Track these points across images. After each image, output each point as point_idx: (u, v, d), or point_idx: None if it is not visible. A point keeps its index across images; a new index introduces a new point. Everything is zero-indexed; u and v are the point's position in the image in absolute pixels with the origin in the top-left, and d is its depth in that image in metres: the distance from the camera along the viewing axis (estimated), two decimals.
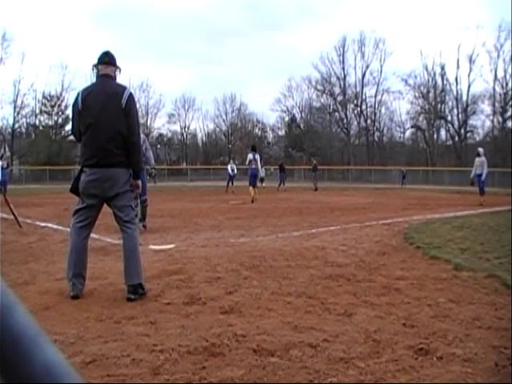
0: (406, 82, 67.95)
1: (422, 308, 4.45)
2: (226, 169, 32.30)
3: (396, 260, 6.73)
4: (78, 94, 5.17)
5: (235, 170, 31.49)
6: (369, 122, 73.72)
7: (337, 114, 75.71)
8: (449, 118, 67.16)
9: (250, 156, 20.85)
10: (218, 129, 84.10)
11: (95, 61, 5.23)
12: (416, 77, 67.27)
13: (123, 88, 5.08)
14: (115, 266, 5.99)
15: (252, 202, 19.93)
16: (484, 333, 3.77)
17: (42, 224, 11.82)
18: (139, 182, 5.16)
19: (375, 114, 73.36)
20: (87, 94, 5.08)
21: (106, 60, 5.14)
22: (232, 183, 30.29)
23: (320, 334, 3.70)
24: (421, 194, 27.97)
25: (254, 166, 20.51)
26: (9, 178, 23.86)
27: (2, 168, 22.93)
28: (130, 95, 5.03)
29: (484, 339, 3.63)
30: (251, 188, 20.58)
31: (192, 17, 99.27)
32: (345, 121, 74.41)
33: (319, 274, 5.80)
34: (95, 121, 4.98)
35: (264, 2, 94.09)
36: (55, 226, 11.20)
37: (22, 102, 69.82)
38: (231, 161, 35.45)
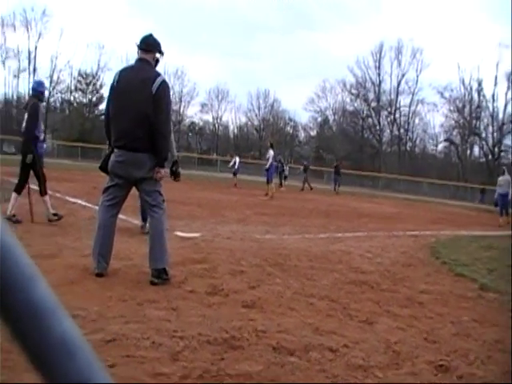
0: (441, 94, 67.19)
1: (445, 324, 4.40)
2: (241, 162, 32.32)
3: (421, 273, 6.66)
4: (115, 75, 5.19)
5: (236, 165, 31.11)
6: (402, 130, 73.10)
7: (370, 119, 75.22)
8: (483, 134, 66.27)
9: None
10: (249, 123, 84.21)
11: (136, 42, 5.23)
12: (452, 90, 66.48)
13: (156, 75, 5.04)
14: (140, 249, 6.03)
15: (266, 195, 21.18)
16: (506, 357, 3.72)
17: (72, 200, 11.95)
18: (162, 171, 5.12)
19: (409, 124, 72.71)
20: (122, 77, 5.09)
21: (143, 47, 5.12)
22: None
23: (340, 339, 3.68)
24: (449, 209, 27.67)
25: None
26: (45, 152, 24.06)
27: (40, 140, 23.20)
28: (162, 83, 4.99)
29: (505, 363, 3.58)
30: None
31: (232, 10, 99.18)
32: (377, 127, 73.89)
33: (343, 279, 5.77)
34: (125, 104, 5.01)
35: (304, 2, 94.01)
36: (84, 203, 11.31)
37: (58, 78, 70.74)
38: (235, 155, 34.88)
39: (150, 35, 5.22)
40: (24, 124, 8.43)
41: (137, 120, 4.93)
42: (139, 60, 5.13)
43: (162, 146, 5.04)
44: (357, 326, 4.07)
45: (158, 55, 5.20)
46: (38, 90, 8.65)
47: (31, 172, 8.41)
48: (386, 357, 3.46)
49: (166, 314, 3.92)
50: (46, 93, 69.55)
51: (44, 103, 7.90)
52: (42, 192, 8.33)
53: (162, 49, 5.25)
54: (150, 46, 5.14)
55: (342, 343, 3.59)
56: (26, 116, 8.39)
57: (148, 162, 4.98)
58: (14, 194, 8.26)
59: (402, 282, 5.96)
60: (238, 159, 31.05)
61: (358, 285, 5.53)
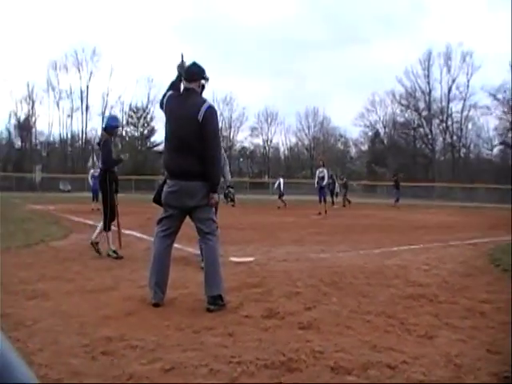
0: (494, 96, 65.56)
1: (508, 334, 4.28)
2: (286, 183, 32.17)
3: (481, 282, 6.51)
4: (164, 97, 5.26)
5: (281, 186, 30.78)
6: (455, 137, 71.72)
7: (421, 129, 74.18)
8: None
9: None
10: (300, 143, 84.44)
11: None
12: (505, 91, 64.69)
13: (202, 101, 5.06)
14: (196, 277, 6.10)
15: (319, 214, 21.45)
16: None
17: (127, 232, 12.16)
18: (216, 196, 5.16)
19: (461, 130, 71.29)
20: (170, 106, 5.16)
21: (187, 77, 5.14)
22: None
23: (399, 355, 3.63)
24: (507, 215, 26.86)
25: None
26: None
27: (94, 177, 23.73)
28: (208, 108, 4.99)
29: None
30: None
31: (275, 30, 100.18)
32: (429, 136, 72.76)
33: (400, 294, 5.70)
34: (175, 134, 5.09)
35: (347, 15, 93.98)
36: (139, 235, 11.52)
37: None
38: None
39: (194, 64, 5.25)
40: (100, 160, 8.67)
41: (186, 148, 4.99)
42: (185, 89, 5.16)
43: (212, 172, 5.06)
44: (415, 341, 4.00)
45: (203, 81, 5.21)
46: (110, 125, 8.83)
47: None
48: (447, 371, 3.39)
49: (223, 339, 3.95)
50: (99, 130, 71.45)
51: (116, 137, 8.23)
52: (106, 227, 8.46)
53: (207, 74, 5.25)
54: (194, 75, 5.16)
55: (400, 359, 3.54)
56: (100, 152, 8.71)
57: (200, 189, 5.02)
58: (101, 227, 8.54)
59: (461, 292, 5.84)
60: (282, 180, 30.90)
61: (415, 299, 5.44)
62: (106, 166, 8.46)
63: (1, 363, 0.50)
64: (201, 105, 5.00)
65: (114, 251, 8.21)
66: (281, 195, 29.80)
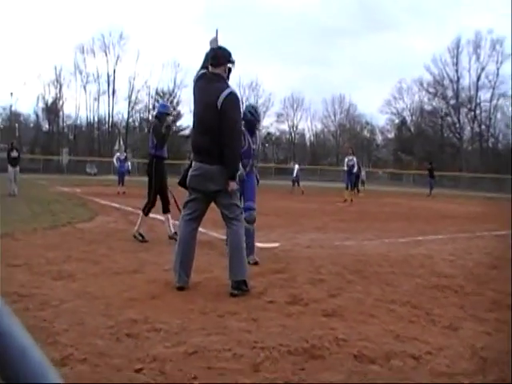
0: None
1: None
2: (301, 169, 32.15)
3: (507, 274, 6.41)
4: (195, 78, 5.30)
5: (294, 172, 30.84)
6: (483, 127, 70.71)
7: (449, 118, 73.25)
8: None
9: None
10: (326, 129, 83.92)
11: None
12: None
13: (225, 87, 5.02)
14: (220, 261, 6.12)
15: (344, 201, 21.25)
16: None
17: (152, 215, 12.23)
18: (233, 184, 5.08)
19: (490, 119, 70.23)
20: (197, 88, 5.19)
21: (213, 62, 5.11)
22: (296, 184, 30.28)
23: (423, 346, 3.60)
24: None
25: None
26: (127, 170, 24.83)
27: (120, 160, 23.88)
28: (228, 95, 4.95)
29: None
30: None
31: (302, 16, 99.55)
32: (457, 125, 71.84)
33: (425, 284, 5.66)
34: (197, 117, 5.15)
35: (374, 1, 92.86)
36: (164, 218, 11.54)
37: (136, 98, 72.85)
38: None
39: (219, 47, 5.24)
40: (150, 145, 8.81)
41: (208, 133, 5.00)
42: (211, 73, 5.12)
43: (231, 159, 5.03)
44: (440, 332, 3.97)
45: (229, 65, 5.18)
46: (160, 112, 9.15)
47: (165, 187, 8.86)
48: (472, 363, 3.36)
49: (247, 325, 3.96)
50: (125, 114, 71.98)
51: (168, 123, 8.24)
52: (144, 210, 8.67)
53: (233, 57, 5.21)
54: (220, 59, 5.13)
55: (424, 350, 3.51)
56: (150, 137, 8.87)
57: (223, 174, 5.02)
58: (160, 216, 8.93)
59: (487, 284, 5.78)
60: (297, 166, 30.88)
61: (440, 289, 5.40)
62: (154, 151, 8.55)
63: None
64: (222, 90, 4.97)
65: (141, 234, 8.25)
66: (297, 181, 29.87)
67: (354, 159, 22.57)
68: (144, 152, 68.21)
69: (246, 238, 5.47)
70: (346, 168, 22.44)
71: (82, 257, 6.59)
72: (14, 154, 20.02)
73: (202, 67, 5.29)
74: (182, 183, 5.39)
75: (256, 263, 6.19)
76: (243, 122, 6.07)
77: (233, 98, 5.04)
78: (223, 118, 4.93)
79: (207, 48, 5.39)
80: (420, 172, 61.07)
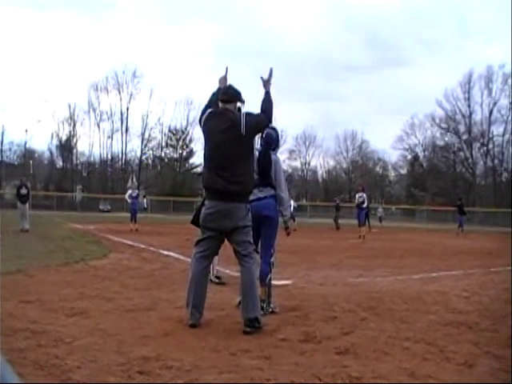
0: None
1: None
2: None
3: None
4: (203, 114, 5.31)
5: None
6: (496, 161, 70.63)
7: (461, 153, 73.29)
8: None
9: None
10: (338, 166, 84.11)
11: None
12: None
13: (239, 114, 5.11)
14: (233, 298, 6.10)
15: (359, 237, 21.18)
16: None
17: (165, 252, 12.29)
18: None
19: (503, 154, 70.18)
20: (210, 123, 5.20)
21: (224, 99, 5.18)
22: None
23: None
24: None
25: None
26: (143, 208, 25.09)
27: (132, 197, 24.01)
28: (246, 114, 5.07)
29: None
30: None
31: (314, 53, 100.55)
32: (470, 160, 71.83)
33: (439, 320, 5.60)
34: (213, 154, 5.13)
35: (387, 37, 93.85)
36: (177, 256, 11.60)
37: (149, 136, 73.64)
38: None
39: (230, 87, 5.31)
40: None
41: (226, 169, 5.02)
42: (223, 108, 5.18)
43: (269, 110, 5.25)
44: (455, 369, 3.92)
45: (239, 104, 5.25)
46: None
47: None
48: None
49: (259, 362, 3.93)
50: (138, 151, 72.42)
51: None
52: None
53: (243, 97, 5.29)
54: (230, 96, 5.20)
55: None
56: None
57: (239, 211, 5.04)
58: None
59: (503, 320, 5.70)
60: (292, 203, 30.58)
61: (455, 326, 5.34)
62: None
63: None
64: (239, 117, 5.05)
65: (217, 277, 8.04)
66: (293, 218, 29.37)
67: (364, 195, 22.68)
68: (157, 189, 69.12)
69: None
70: (356, 203, 22.70)
71: (95, 294, 6.60)
72: (23, 191, 20.42)
73: (208, 106, 5.35)
74: (196, 221, 5.39)
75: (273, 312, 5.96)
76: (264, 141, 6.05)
77: (251, 114, 5.14)
78: (254, 125, 5.11)
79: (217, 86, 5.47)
80: (433, 208, 60.93)
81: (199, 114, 5.51)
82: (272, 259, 5.94)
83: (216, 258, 7.85)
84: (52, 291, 6.61)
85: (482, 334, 5.04)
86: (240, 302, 5.21)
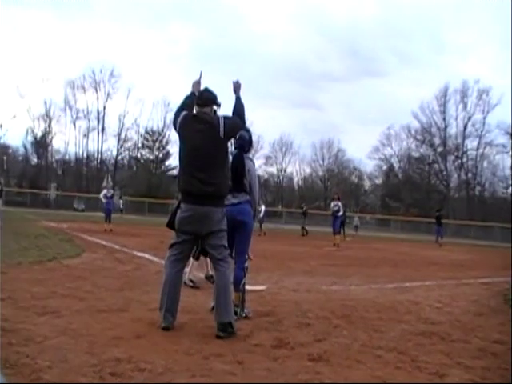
0: (510, 135, 65.35)
1: None
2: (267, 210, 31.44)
3: (494, 322, 6.43)
4: (177, 117, 5.27)
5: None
6: (470, 175, 71.54)
7: (436, 165, 74.21)
8: None
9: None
10: (314, 173, 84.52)
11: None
12: None
13: (216, 117, 5.14)
14: (206, 302, 6.08)
15: (334, 245, 21.35)
16: None
17: (139, 254, 12.21)
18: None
19: (477, 168, 71.21)
20: (186, 126, 5.16)
21: (199, 102, 5.19)
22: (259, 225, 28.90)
23: None
24: None
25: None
26: (120, 209, 24.96)
27: (107, 197, 23.83)
28: (222, 118, 5.09)
29: None
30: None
31: (292, 60, 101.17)
32: (444, 173, 72.74)
33: (411, 330, 5.64)
34: (190, 157, 5.08)
35: (364, 48, 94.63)
36: (151, 257, 11.54)
37: (126, 136, 73.24)
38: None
39: (205, 90, 5.29)
40: None
41: (202, 171, 5.00)
42: (200, 112, 5.18)
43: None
44: (426, 379, 3.94)
45: (215, 107, 5.25)
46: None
47: None
48: None
49: (232, 367, 3.91)
50: (114, 151, 71.98)
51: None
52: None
53: (219, 100, 5.30)
54: (206, 100, 5.20)
55: None
56: None
57: (214, 215, 5.03)
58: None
59: (473, 332, 5.76)
60: (263, 207, 30.40)
61: (427, 336, 5.38)
62: None
63: None
64: (217, 119, 5.07)
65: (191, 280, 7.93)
66: (261, 222, 29.31)
67: (339, 204, 22.79)
68: (132, 190, 68.65)
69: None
70: (331, 212, 22.75)
71: (67, 293, 6.53)
72: None
73: (181, 109, 5.31)
74: (171, 225, 5.35)
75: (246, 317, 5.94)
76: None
77: (228, 117, 5.17)
78: (232, 128, 5.18)
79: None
80: (408, 218, 61.44)
81: (172, 116, 5.48)
82: (246, 264, 5.93)
83: (195, 263, 7.87)
84: (24, 289, 6.52)
85: (454, 345, 5.08)
86: (214, 307, 5.18)
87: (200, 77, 5.49)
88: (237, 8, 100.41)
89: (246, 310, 5.82)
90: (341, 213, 22.86)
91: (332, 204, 23.12)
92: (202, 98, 5.20)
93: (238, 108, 5.31)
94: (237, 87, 5.43)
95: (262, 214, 29.29)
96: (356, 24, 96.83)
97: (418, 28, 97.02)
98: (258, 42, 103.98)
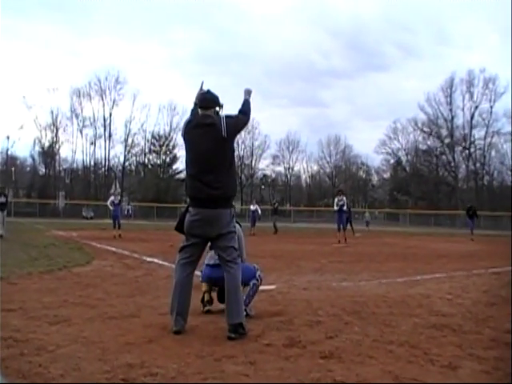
0: None
1: None
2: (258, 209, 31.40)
3: (506, 312, 6.40)
4: (183, 126, 5.36)
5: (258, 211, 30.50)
6: (478, 165, 71.25)
7: (444, 156, 73.85)
8: None
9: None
10: (321, 171, 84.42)
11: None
12: None
13: (219, 117, 5.13)
14: (217, 304, 6.09)
15: (339, 242, 21.33)
16: None
17: (149, 259, 12.23)
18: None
19: (485, 157, 70.86)
20: (190, 131, 5.20)
21: (202, 105, 5.21)
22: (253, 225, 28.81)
23: None
24: None
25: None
26: (129, 214, 25.04)
27: (114, 204, 23.88)
28: (225, 118, 5.10)
29: None
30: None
31: (296, 59, 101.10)
32: (452, 164, 72.39)
33: (423, 323, 5.63)
34: (196, 160, 5.11)
35: (367, 43, 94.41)
36: (161, 262, 11.56)
37: (133, 141, 73.32)
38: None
39: (207, 92, 5.32)
40: None
41: (209, 174, 5.01)
42: (203, 115, 5.19)
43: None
44: (439, 372, 3.93)
45: (217, 109, 5.26)
46: None
47: None
48: None
49: (244, 368, 3.92)
50: (122, 157, 71.98)
51: None
52: None
53: (222, 101, 5.30)
54: (208, 102, 5.23)
55: None
56: None
57: (223, 217, 5.05)
58: None
59: (485, 322, 5.75)
60: (255, 207, 30.38)
61: (438, 328, 5.37)
62: None
63: None
64: (219, 120, 5.06)
65: None
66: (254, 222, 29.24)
67: (344, 199, 22.67)
68: (140, 195, 68.83)
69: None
70: (336, 208, 22.56)
71: (78, 301, 6.55)
72: (2, 199, 20.95)
73: (189, 121, 5.35)
74: (179, 228, 5.36)
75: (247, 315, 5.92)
76: None
77: (230, 116, 5.18)
78: (236, 129, 5.19)
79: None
80: (416, 211, 61.28)
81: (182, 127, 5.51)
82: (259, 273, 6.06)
83: None
84: (35, 299, 6.55)
85: (465, 337, 5.07)
86: (224, 308, 5.19)
87: (201, 86, 5.54)
88: (238, 7, 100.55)
89: (247, 310, 5.85)
90: (345, 207, 22.70)
91: (336, 199, 22.89)
92: (205, 101, 5.23)
93: (245, 106, 5.37)
94: (248, 93, 5.52)
95: (257, 214, 29.46)
96: (358, 18, 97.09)
97: (421, 20, 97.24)
98: (260, 42, 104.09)
